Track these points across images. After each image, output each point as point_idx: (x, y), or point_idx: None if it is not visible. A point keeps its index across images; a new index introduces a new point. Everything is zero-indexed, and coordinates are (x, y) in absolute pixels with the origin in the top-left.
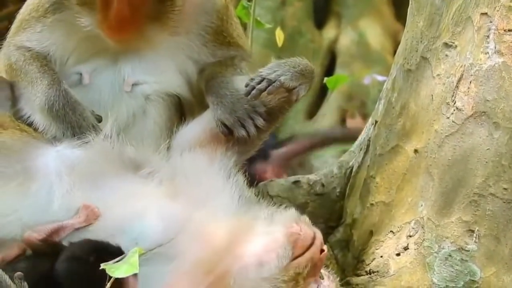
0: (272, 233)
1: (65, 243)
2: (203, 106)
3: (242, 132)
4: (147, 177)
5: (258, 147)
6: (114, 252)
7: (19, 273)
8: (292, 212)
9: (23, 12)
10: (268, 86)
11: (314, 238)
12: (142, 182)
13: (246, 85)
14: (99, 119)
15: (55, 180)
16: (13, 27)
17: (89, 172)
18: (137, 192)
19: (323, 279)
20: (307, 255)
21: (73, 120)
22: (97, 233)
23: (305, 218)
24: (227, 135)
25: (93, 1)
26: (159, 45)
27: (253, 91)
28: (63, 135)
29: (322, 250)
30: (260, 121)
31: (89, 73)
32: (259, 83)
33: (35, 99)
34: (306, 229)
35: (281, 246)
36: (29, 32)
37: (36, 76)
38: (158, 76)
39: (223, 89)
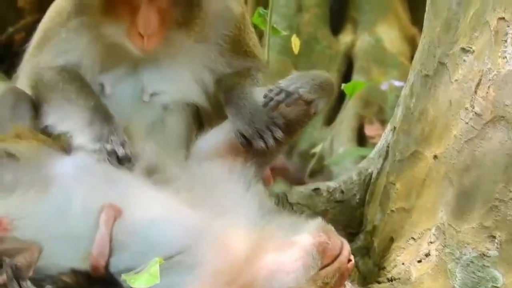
0: (298, 242)
1: None
2: (221, 116)
3: (261, 144)
4: (164, 183)
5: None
6: None
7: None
8: (319, 221)
9: (46, 21)
10: (286, 97)
11: (342, 248)
12: (159, 188)
13: (265, 96)
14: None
15: (72, 186)
16: (37, 38)
17: (105, 177)
18: (154, 199)
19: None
20: (335, 264)
21: (108, 138)
22: (117, 237)
23: (331, 227)
24: (245, 146)
25: (118, 9)
26: (178, 53)
27: (271, 102)
28: (95, 150)
29: (349, 260)
30: (278, 133)
31: (110, 84)
32: (277, 94)
33: (74, 118)
34: (334, 238)
35: (309, 255)
36: (55, 41)
37: (78, 98)
38: (176, 85)
39: (242, 100)
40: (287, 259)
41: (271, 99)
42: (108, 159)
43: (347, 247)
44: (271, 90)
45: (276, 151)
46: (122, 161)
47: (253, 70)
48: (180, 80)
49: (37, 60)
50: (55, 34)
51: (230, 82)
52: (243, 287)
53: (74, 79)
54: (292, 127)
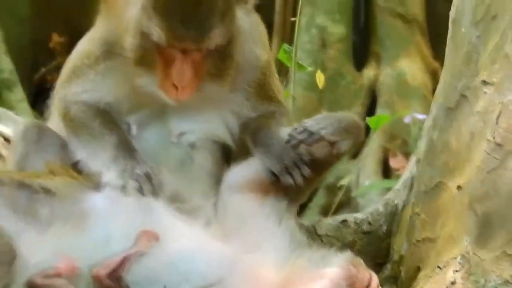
0: (328, 275)
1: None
2: (246, 154)
3: (289, 180)
4: (194, 215)
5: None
6: None
7: None
8: (348, 254)
9: (74, 59)
10: (308, 137)
11: (370, 280)
12: (190, 220)
13: (289, 134)
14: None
15: (105, 220)
16: (65, 74)
17: (137, 211)
18: (187, 231)
19: None
20: None
21: (132, 173)
22: (150, 268)
23: (360, 260)
24: (274, 182)
25: (153, 62)
26: (207, 98)
27: (293, 140)
28: (122, 181)
29: None
30: (306, 170)
31: (137, 124)
32: (300, 133)
33: (101, 154)
34: (363, 271)
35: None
36: (83, 80)
37: (103, 134)
38: (203, 125)
39: (270, 140)
40: None
41: (294, 137)
42: (135, 193)
43: (375, 279)
44: (295, 129)
45: (305, 188)
46: (148, 193)
47: (277, 114)
48: (207, 120)
49: (64, 94)
50: (82, 74)
51: (257, 124)
52: None
53: (98, 114)
54: (318, 166)
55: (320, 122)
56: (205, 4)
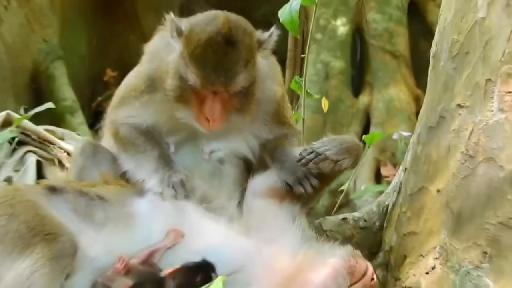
0: (333, 265)
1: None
2: (264, 167)
3: (301, 189)
4: (220, 213)
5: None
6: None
7: None
8: (349, 248)
9: (123, 89)
10: (315, 157)
11: (366, 269)
12: (218, 219)
13: (299, 154)
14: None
15: (148, 220)
16: (116, 100)
17: (173, 212)
18: (214, 227)
19: None
20: (361, 282)
21: (170, 181)
22: (183, 257)
23: (359, 252)
24: (289, 191)
25: (189, 99)
26: (233, 125)
27: (303, 160)
28: (160, 188)
29: (372, 279)
30: (314, 181)
31: (175, 144)
32: (309, 154)
33: (144, 165)
34: (361, 262)
35: (341, 276)
36: (129, 107)
37: (146, 149)
38: (229, 144)
39: (285, 157)
40: (323, 278)
41: (303, 157)
42: (171, 198)
43: (371, 269)
44: (305, 150)
45: (314, 195)
46: (182, 197)
47: (289, 136)
48: (232, 141)
49: (114, 117)
50: (129, 103)
51: (273, 144)
52: None
53: (142, 133)
54: (325, 179)
55: (326, 145)
56: (231, 55)
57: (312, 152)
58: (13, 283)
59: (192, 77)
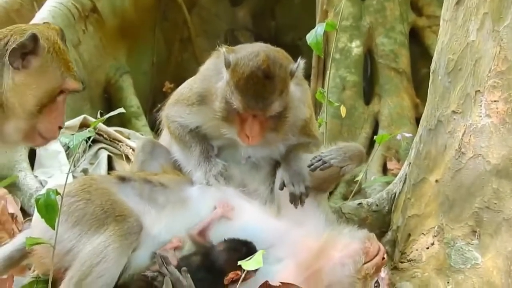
0: (351, 245)
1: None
2: None
3: (292, 189)
4: (255, 197)
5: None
6: (254, 248)
7: (184, 268)
8: (366, 231)
9: (179, 93)
10: (322, 165)
11: (379, 250)
12: (252, 201)
13: (310, 160)
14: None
15: (199, 202)
16: (172, 99)
17: (217, 196)
18: (249, 207)
19: (380, 272)
20: (374, 261)
21: (212, 171)
22: (224, 233)
23: (373, 235)
24: (281, 188)
25: (233, 119)
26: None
27: (312, 166)
28: (205, 179)
29: (383, 258)
30: (303, 189)
31: (218, 147)
32: (317, 161)
33: (190, 159)
34: (375, 244)
35: (357, 255)
36: (181, 110)
37: (191, 145)
38: (262, 151)
39: (294, 161)
40: (343, 256)
41: (312, 164)
42: (214, 185)
43: (382, 250)
44: (314, 157)
45: (327, 188)
46: (223, 184)
47: (310, 145)
48: (265, 149)
49: (168, 113)
50: (181, 107)
51: (291, 148)
52: (315, 273)
53: (188, 131)
54: (333, 179)
55: (333, 153)
56: (268, 87)
57: (320, 160)
58: (90, 255)
59: (236, 103)
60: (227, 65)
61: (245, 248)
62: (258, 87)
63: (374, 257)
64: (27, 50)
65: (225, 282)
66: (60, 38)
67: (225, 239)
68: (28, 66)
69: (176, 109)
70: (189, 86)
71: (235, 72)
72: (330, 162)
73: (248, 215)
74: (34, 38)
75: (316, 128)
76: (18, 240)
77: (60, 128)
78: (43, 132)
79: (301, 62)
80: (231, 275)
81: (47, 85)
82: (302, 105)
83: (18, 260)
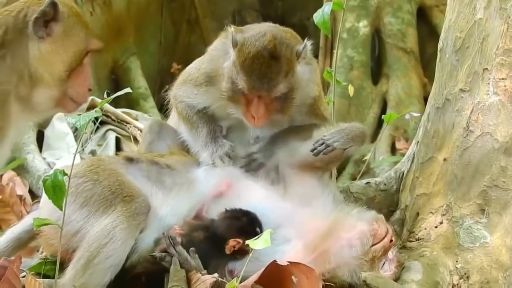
0: (359, 226)
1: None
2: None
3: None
4: (262, 178)
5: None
6: (255, 219)
7: (192, 248)
8: (374, 213)
9: (187, 74)
10: (325, 148)
11: (387, 232)
12: (259, 181)
13: (313, 144)
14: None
15: (204, 184)
16: (180, 80)
17: (224, 176)
18: (256, 188)
19: (389, 252)
20: (381, 243)
21: (218, 151)
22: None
23: (382, 216)
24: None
25: (239, 99)
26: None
27: (315, 151)
28: (211, 160)
29: (391, 240)
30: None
31: (226, 128)
32: (320, 145)
33: (197, 139)
34: (382, 226)
35: (365, 236)
36: (188, 91)
37: (198, 126)
38: (270, 131)
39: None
40: (350, 238)
41: (315, 148)
42: (220, 166)
43: (390, 232)
44: (317, 141)
45: (332, 166)
46: (228, 164)
47: (317, 126)
48: (272, 129)
49: (175, 93)
50: (189, 87)
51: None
52: (322, 254)
53: (195, 112)
54: (335, 160)
55: (335, 136)
56: (274, 67)
57: (322, 144)
58: (98, 236)
59: (241, 83)
60: (234, 44)
61: (246, 218)
62: (264, 67)
63: (382, 239)
64: (48, 17)
65: (227, 251)
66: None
67: (226, 209)
68: (51, 34)
69: (183, 90)
70: (197, 67)
71: (241, 52)
72: (333, 146)
73: (255, 196)
74: (53, 4)
75: (326, 108)
76: (26, 222)
77: (89, 90)
78: (74, 97)
79: (308, 42)
80: (231, 242)
81: (73, 49)
82: (311, 84)
83: (26, 242)
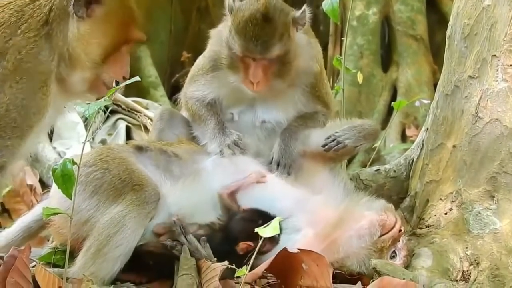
0: (368, 216)
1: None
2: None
3: (275, 168)
4: (273, 167)
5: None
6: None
7: (203, 237)
8: (383, 202)
9: (193, 70)
10: (336, 145)
11: (396, 222)
12: (269, 170)
13: (324, 140)
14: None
15: (212, 175)
16: (187, 79)
17: (232, 167)
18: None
19: (398, 242)
20: (390, 234)
21: (226, 141)
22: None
23: (391, 206)
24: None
25: (237, 66)
26: (278, 95)
27: (326, 147)
28: (220, 151)
29: (400, 230)
30: (288, 171)
31: (237, 114)
32: (331, 141)
33: (206, 132)
34: (391, 216)
35: (374, 227)
36: (197, 84)
37: (206, 119)
38: (274, 116)
39: (286, 136)
40: (360, 227)
41: (327, 144)
42: (228, 156)
43: (399, 222)
44: (328, 137)
45: (343, 158)
46: (237, 154)
47: (319, 115)
48: (277, 114)
49: (185, 92)
50: (197, 80)
51: (292, 121)
52: (332, 243)
53: (204, 106)
54: (347, 155)
55: (347, 133)
56: (268, 28)
57: (334, 140)
58: (107, 225)
59: (235, 46)
60: (230, 10)
61: (262, 220)
62: (257, 29)
63: (390, 230)
64: None
65: (240, 252)
66: None
67: (243, 209)
68: (92, 15)
69: (192, 86)
70: (202, 56)
71: (236, 16)
72: (344, 143)
73: (265, 185)
74: None
75: (328, 92)
76: (36, 211)
77: (124, 78)
78: (108, 82)
79: (306, 9)
80: (241, 245)
81: (111, 35)
82: (309, 57)
83: (36, 231)
